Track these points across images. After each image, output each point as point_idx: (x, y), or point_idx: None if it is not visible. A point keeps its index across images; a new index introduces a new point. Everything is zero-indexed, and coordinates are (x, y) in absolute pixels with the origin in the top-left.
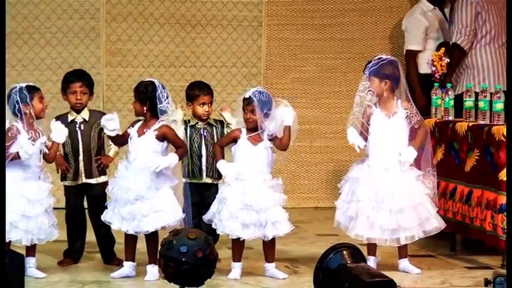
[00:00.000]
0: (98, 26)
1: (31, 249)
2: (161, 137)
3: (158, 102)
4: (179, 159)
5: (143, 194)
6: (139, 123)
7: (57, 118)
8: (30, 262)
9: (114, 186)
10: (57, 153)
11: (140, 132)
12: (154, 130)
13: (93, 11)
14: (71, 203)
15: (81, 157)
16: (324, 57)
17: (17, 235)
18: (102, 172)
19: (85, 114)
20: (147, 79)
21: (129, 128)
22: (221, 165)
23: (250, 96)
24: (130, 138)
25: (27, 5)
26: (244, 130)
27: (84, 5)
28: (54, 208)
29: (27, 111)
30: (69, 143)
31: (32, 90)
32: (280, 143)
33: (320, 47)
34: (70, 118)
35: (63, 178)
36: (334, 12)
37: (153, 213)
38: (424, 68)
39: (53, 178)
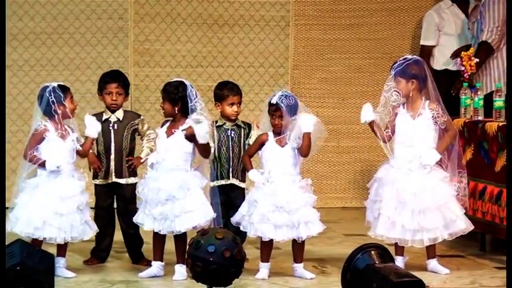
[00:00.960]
0: (126, 26)
1: (62, 249)
2: (190, 137)
3: (189, 102)
4: (207, 146)
5: (174, 194)
6: (167, 123)
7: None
8: (60, 262)
9: (144, 187)
10: (90, 151)
11: (169, 133)
12: (183, 130)
13: (122, 11)
14: (100, 202)
15: (112, 156)
16: (351, 57)
17: (51, 233)
18: (133, 173)
19: (119, 114)
20: (175, 79)
21: (158, 128)
22: (253, 175)
23: (277, 103)
24: (159, 138)
25: (57, 5)
26: (271, 134)
27: (113, 5)
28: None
29: (61, 111)
30: (102, 141)
31: (64, 89)
32: (300, 150)
33: (347, 47)
34: (104, 117)
35: (95, 177)
36: (362, 12)
37: (185, 214)
38: (438, 63)
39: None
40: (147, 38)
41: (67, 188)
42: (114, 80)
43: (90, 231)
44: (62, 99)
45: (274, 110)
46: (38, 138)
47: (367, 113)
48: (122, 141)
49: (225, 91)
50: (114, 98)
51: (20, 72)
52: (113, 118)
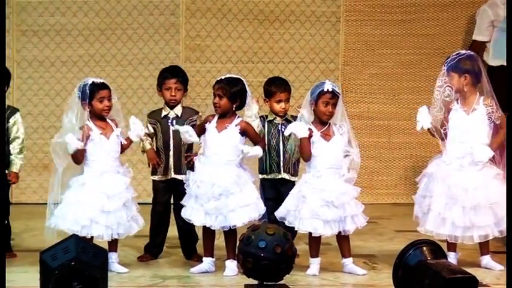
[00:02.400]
0: (178, 22)
1: (113, 245)
2: (242, 132)
3: (247, 98)
4: (262, 152)
5: (229, 189)
6: (216, 118)
7: (151, 113)
8: (113, 257)
9: (194, 182)
10: (149, 147)
11: (220, 127)
12: (236, 125)
13: (173, 7)
14: (158, 198)
15: (171, 152)
16: (402, 52)
17: (98, 230)
18: (191, 169)
19: (178, 110)
20: (229, 75)
21: (205, 123)
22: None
23: (334, 90)
24: (208, 133)
25: (110, 1)
26: (313, 127)
27: (165, 1)
28: (140, 203)
29: (89, 109)
30: (161, 137)
31: (99, 87)
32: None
33: (399, 42)
34: (163, 113)
35: (154, 173)
36: (414, 7)
37: (239, 208)
38: (494, 59)
39: (145, 173)
40: (198, 34)
41: (113, 185)
42: (173, 76)
43: (137, 226)
44: (88, 97)
45: (330, 97)
46: (84, 137)
47: (424, 120)
48: (181, 137)
49: (273, 88)
50: (173, 94)
51: (74, 68)
52: (171, 114)
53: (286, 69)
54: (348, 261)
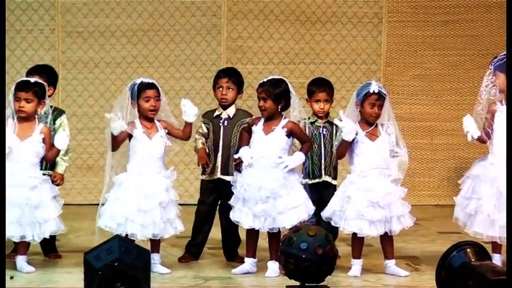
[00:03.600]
0: (220, 23)
1: (155, 246)
2: (289, 133)
3: (291, 98)
4: (305, 155)
5: (277, 191)
6: (262, 120)
7: (205, 113)
8: (155, 258)
9: (242, 184)
10: (200, 147)
11: (267, 130)
12: (283, 127)
13: (215, 9)
14: (203, 198)
15: (220, 153)
16: (446, 53)
17: (133, 229)
18: (239, 171)
19: (231, 111)
20: (272, 77)
21: (252, 126)
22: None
23: (380, 91)
24: (255, 135)
25: (153, 2)
26: (358, 127)
27: (207, 2)
28: (183, 204)
29: (135, 108)
30: (211, 137)
31: (147, 87)
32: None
33: (442, 43)
34: (216, 113)
35: (203, 172)
36: (458, 8)
37: (288, 210)
38: None
39: (187, 174)
40: (240, 35)
41: (151, 185)
42: (226, 75)
43: (172, 230)
44: (135, 96)
45: (376, 99)
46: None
47: (472, 129)
48: (231, 138)
49: (312, 87)
50: (224, 93)
51: (117, 69)
52: (224, 115)
53: (327, 70)
54: (391, 263)
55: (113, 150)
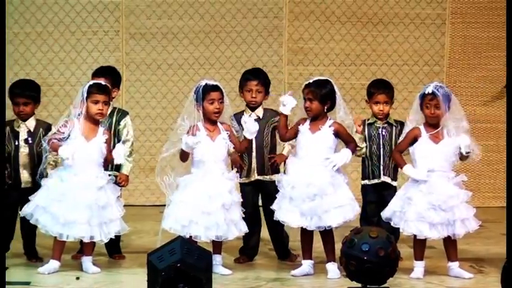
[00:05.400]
0: (281, 24)
1: (217, 247)
2: (336, 133)
3: (337, 99)
4: (352, 154)
5: (324, 189)
6: (308, 120)
7: (234, 115)
8: (217, 259)
9: (288, 183)
10: (233, 151)
11: (314, 129)
12: (330, 126)
13: (277, 10)
14: (246, 200)
15: (254, 154)
16: None
17: (197, 231)
18: (275, 170)
19: (259, 112)
20: (318, 78)
21: (298, 125)
22: (408, 171)
23: (433, 91)
24: (302, 135)
25: (215, 4)
26: (423, 128)
27: (268, 4)
28: None
29: (200, 111)
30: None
31: (212, 89)
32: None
33: None
34: (245, 115)
35: (239, 176)
36: None
37: (334, 209)
38: None
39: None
40: (301, 37)
41: (214, 187)
42: (255, 78)
43: (236, 231)
44: (200, 98)
45: (430, 99)
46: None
47: None
48: (263, 139)
49: (372, 89)
50: (254, 96)
51: (179, 71)
52: (253, 116)
53: (389, 71)
54: (454, 265)
55: (183, 161)
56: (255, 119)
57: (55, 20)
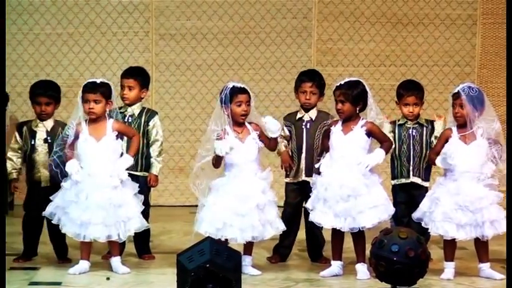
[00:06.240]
0: (310, 25)
1: (248, 248)
2: (369, 133)
3: (368, 99)
4: (386, 154)
5: (358, 190)
6: (340, 121)
7: (287, 116)
8: (247, 260)
9: (322, 184)
10: (283, 150)
11: (346, 130)
12: (362, 126)
13: (306, 11)
14: (289, 200)
15: (303, 155)
16: None
17: (232, 233)
18: (318, 173)
19: (313, 113)
20: (349, 79)
21: (330, 126)
22: (438, 161)
23: (458, 91)
24: (334, 136)
25: (244, 4)
26: (454, 129)
27: (298, 4)
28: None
29: (227, 113)
30: (294, 140)
31: (235, 92)
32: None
33: None
34: (298, 116)
35: (287, 175)
36: None
37: (368, 210)
38: None
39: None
40: (330, 37)
41: (247, 188)
42: (309, 79)
43: (272, 230)
44: (228, 101)
45: (454, 98)
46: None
47: None
48: (314, 140)
49: (401, 90)
50: (308, 97)
51: (208, 72)
52: (306, 117)
53: (419, 72)
54: (485, 266)
55: (216, 167)
56: (307, 120)
57: (86, 20)
